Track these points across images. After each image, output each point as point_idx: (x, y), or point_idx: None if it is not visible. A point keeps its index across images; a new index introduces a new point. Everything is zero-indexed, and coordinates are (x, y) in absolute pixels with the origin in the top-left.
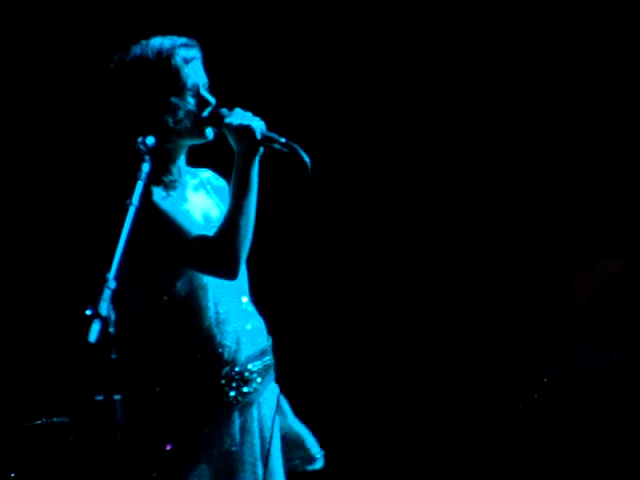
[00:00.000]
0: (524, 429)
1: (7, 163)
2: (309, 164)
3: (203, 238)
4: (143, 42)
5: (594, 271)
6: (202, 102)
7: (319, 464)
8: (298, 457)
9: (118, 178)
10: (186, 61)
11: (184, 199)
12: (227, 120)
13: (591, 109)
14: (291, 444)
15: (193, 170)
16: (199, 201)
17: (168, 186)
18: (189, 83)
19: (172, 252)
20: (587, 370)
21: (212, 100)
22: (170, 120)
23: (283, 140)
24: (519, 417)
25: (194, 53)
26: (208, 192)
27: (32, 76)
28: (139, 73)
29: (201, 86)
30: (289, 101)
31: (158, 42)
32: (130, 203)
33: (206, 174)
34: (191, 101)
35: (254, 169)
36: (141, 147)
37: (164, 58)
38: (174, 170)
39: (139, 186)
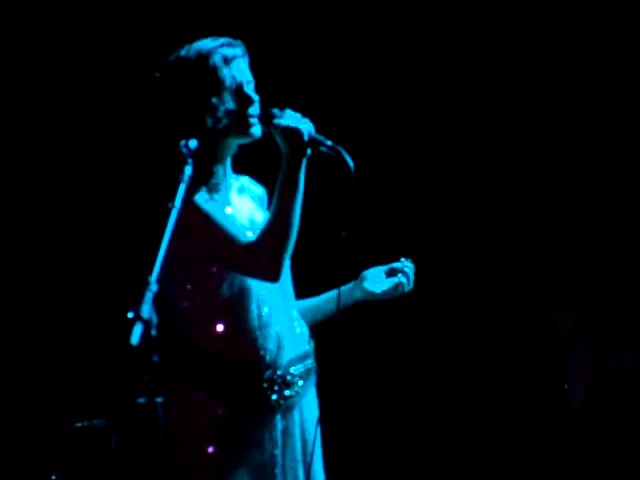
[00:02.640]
0: (545, 437)
1: (51, 165)
2: (353, 168)
3: (245, 241)
4: (189, 45)
5: (608, 272)
6: (244, 100)
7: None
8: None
9: (161, 181)
10: (226, 60)
11: (228, 202)
12: (276, 121)
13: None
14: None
15: (234, 175)
16: (243, 204)
17: (212, 189)
18: (228, 82)
19: (214, 255)
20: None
21: (255, 98)
22: (210, 120)
23: (329, 143)
24: (541, 426)
25: (236, 52)
26: (251, 197)
27: (78, 78)
28: (179, 73)
29: (245, 84)
30: (337, 104)
31: (202, 43)
32: (172, 206)
33: (245, 181)
34: (231, 100)
35: (301, 172)
36: (184, 150)
37: (203, 57)
38: (219, 172)
39: (181, 189)
